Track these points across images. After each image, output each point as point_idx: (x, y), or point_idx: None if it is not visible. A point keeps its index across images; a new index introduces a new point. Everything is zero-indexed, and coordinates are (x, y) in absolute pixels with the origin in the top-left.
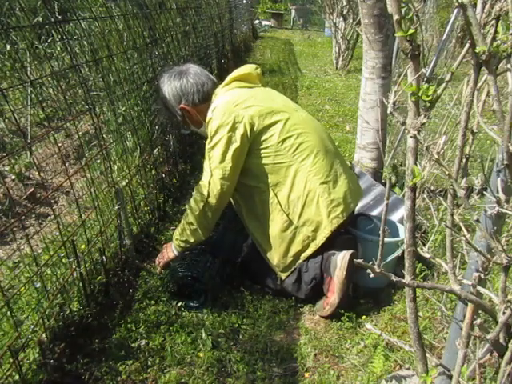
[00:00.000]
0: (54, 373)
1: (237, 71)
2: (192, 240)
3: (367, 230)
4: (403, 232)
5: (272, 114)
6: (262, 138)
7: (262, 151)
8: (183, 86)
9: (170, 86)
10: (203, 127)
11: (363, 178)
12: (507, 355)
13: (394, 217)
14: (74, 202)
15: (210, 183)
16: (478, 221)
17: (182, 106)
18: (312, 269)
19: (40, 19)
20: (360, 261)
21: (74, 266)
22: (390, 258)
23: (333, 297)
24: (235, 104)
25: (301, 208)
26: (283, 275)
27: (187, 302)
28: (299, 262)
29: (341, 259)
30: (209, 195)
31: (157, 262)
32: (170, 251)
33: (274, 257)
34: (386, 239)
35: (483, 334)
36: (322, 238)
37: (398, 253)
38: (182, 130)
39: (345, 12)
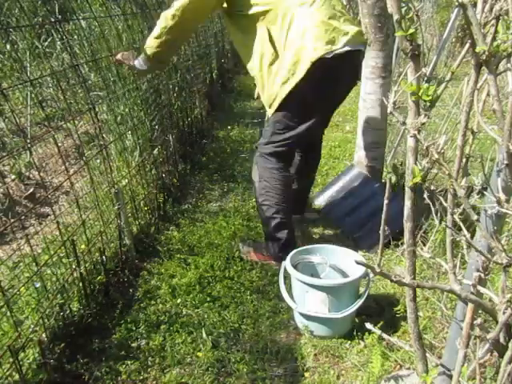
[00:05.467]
0: (54, 373)
1: None
2: (151, 46)
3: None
4: (355, 268)
5: None
6: None
7: None
8: None
9: None
10: None
11: (363, 178)
12: (507, 355)
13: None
14: (74, 202)
15: None
16: (478, 220)
17: None
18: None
19: (40, 19)
20: (361, 261)
21: (74, 266)
22: (348, 311)
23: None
24: None
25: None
26: (269, 111)
27: None
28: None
29: None
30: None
31: (118, 57)
32: (132, 59)
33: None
34: (337, 281)
35: (483, 333)
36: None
37: (358, 304)
38: None
39: None
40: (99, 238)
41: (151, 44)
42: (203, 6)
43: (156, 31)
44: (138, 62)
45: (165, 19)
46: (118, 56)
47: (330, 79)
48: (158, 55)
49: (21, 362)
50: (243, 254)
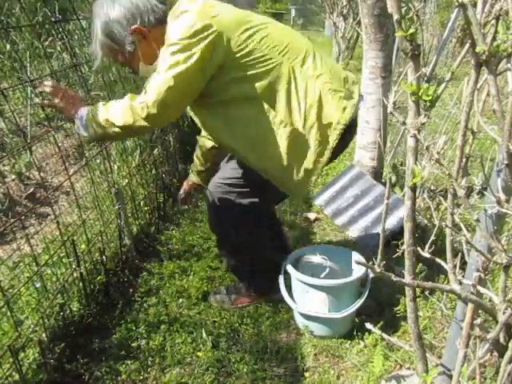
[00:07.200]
0: (54, 372)
1: None
2: (99, 134)
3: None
4: (355, 268)
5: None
6: (238, 49)
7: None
8: (136, 2)
9: (118, 5)
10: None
11: (363, 178)
12: (507, 355)
13: (395, 216)
14: (74, 202)
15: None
16: (478, 220)
17: (135, 26)
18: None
19: (40, 19)
20: (361, 260)
21: (74, 266)
22: (348, 311)
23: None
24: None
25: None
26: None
27: None
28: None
29: None
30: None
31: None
32: (72, 109)
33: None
34: (338, 281)
35: (483, 333)
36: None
37: (358, 304)
38: (130, 74)
39: (345, 12)
40: (99, 238)
41: (106, 128)
42: (186, 93)
43: (119, 120)
44: (80, 122)
45: (133, 113)
46: (48, 87)
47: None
48: (110, 139)
49: (21, 362)
50: (223, 304)
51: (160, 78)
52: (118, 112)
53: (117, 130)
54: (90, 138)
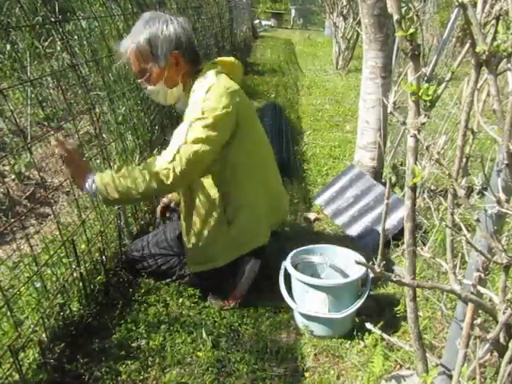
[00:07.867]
0: (54, 373)
1: (220, 58)
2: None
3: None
4: (355, 268)
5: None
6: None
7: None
8: (190, 37)
9: (173, 28)
10: (175, 89)
11: (363, 178)
12: (507, 355)
13: (395, 216)
14: (74, 202)
15: (180, 150)
16: (478, 220)
17: (177, 52)
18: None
19: (40, 19)
20: (361, 260)
21: (74, 266)
22: (348, 311)
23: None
24: (230, 91)
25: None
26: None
27: None
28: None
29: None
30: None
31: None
32: (82, 180)
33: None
34: (336, 281)
35: (483, 333)
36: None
37: (358, 304)
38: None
39: (345, 12)
40: (99, 238)
41: (124, 194)
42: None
43: (141, 187)
44: (88, 185)
45: (157, 179)
46: (60, 149)
47: None
48: (122, 203)
49: (21, 362)
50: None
51: (188, 149)
52: (138, 180)
53: (138, 196)
54: (106, 202)
